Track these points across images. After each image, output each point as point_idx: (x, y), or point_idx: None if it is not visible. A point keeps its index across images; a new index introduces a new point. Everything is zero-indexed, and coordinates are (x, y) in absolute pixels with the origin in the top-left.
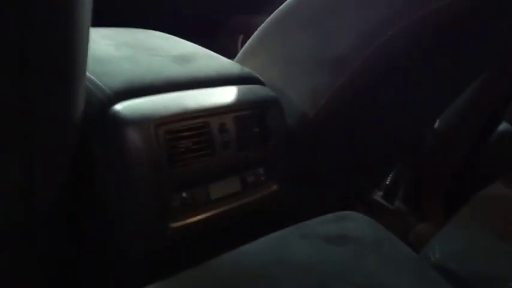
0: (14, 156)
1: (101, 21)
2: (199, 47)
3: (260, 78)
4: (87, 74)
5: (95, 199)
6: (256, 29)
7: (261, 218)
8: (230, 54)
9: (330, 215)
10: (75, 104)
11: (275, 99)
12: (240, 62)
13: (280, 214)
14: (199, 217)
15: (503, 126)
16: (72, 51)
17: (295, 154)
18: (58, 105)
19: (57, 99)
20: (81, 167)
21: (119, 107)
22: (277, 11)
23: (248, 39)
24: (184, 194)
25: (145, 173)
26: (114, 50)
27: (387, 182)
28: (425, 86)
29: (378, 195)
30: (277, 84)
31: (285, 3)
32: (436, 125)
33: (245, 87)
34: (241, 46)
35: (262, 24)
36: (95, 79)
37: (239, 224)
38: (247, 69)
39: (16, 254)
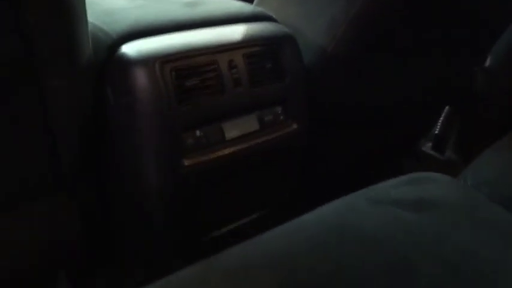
0: (28, 102)
1: None
2: None
3: (272, 16)
4: (95, 23)
5: (112, 139)
6: None
7: (282, 158)
8: None
9: (404, 177)
10: (79, 48)
11: (288, 35)
12: (258, 5)
13: (302, 154)
14: (214, 155)
15: None
16: None
17: (315, 92)
18: (61, 48)
19: (59, 41)
20: (98, 111)
21: (124, 48)
22: None
23: None
24: (198, 133)
25: (153, 110)
26: (128, 2)
27: (436, 132)
28: (462, 19)
29: (427, 147)
30: (294, 23)
31: None
32: (487, 63)
33: (255, 24)
34: None
35: None
36: (103, 26)
37: (259, 163)
38: (258, 8)
39: (52, 201)
